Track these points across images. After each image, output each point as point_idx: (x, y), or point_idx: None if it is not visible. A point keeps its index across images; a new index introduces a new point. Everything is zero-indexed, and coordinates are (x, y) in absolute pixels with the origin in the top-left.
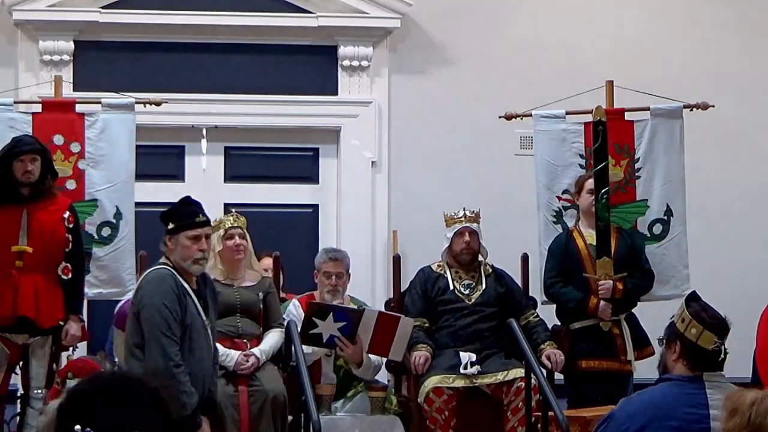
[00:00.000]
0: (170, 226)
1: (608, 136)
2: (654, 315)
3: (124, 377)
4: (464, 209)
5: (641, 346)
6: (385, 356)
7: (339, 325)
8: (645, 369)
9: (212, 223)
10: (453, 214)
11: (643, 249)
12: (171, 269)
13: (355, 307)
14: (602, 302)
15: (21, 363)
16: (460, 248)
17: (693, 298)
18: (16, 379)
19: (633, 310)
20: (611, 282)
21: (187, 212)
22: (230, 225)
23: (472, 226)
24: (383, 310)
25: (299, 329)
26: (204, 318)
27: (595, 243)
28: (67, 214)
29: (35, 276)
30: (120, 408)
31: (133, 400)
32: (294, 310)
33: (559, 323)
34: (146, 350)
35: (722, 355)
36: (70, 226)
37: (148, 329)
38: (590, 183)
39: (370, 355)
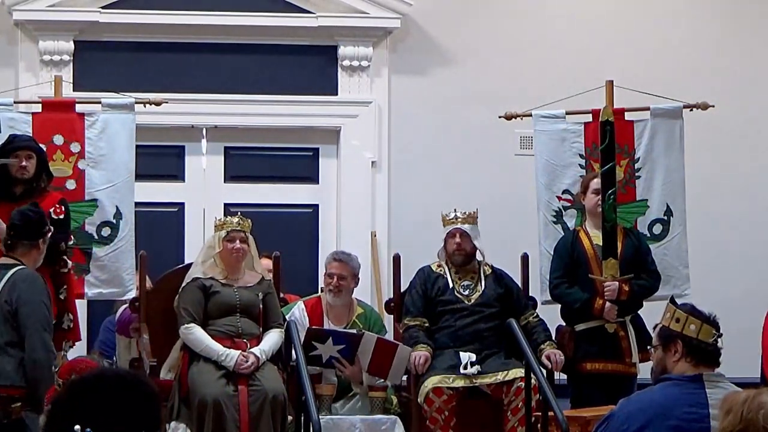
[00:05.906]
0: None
1: None
2: (656, 315)
3: (118, 374)
4: (455, 210)
5: (646, 347)
6: (384, 378)
7: (338, 348)
8: (649, 370)
9: (216, 223)
10: (447, 214)
11: (650, 250)
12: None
13: (362, 311)
14: (608, 304)
15: None
16: (452, 249)
17: (673, 301)
18: None
19: (639, 312)
20: (617, 283)
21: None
22: (233, 228)
23: (463, 227)
24: (380, 336)
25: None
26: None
27: (601, 243)
28: (55, 207)
29: None
30: (113, 403)
31: (127, 395)
32: (298, 312)
33: (563, 323)
34: (28, 344)
35: (721, 349)
36: (56, 217)
37: (31, 324)
38: (595, 183)
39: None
